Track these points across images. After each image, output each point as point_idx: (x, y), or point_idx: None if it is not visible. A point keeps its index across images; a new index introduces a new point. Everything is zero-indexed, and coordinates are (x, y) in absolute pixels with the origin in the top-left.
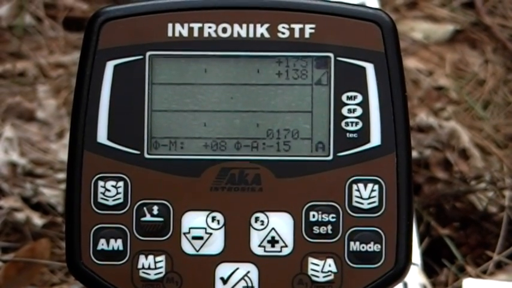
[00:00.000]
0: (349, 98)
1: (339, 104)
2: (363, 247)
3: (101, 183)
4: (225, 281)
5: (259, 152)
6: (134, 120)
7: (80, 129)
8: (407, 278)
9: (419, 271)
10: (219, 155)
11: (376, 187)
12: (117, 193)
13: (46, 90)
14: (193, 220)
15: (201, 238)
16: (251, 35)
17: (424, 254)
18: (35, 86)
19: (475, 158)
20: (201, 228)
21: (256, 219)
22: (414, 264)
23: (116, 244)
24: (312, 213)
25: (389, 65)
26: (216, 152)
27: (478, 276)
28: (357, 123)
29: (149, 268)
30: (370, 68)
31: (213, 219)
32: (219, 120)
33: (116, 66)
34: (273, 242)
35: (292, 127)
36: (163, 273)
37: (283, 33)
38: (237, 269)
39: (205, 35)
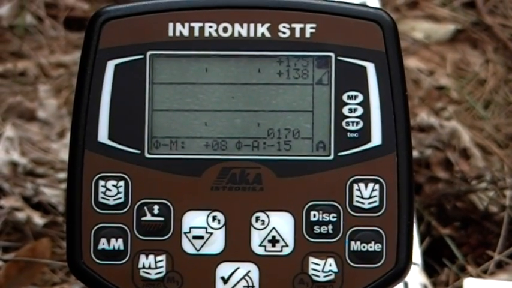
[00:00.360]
0: (349, 97)
1: (340, 104)
2: (364, 247)
3: (101, 182)
4: (225, 281)
5: (260, 151)
6: (135, 120)
7: (80, 129)
8: (408, 278)
9: (420, 271)
10: (220, 154)
11: (377, 187)
12: (118, 193)
13: (47, 89)
14: (194, 220)
15: (201, 238)
16: (252, 34)
17: (425, 254)
18: (36, 86)
19: (476, 158)
20: (202, 228)
21: (257, 218)
22: (415, 263)
23: (117, 244)
24: (312, 212)
25: (390, 65)
26: (217, 151)
27: (478, 276)
28: (357, 123)
29: (150, 268)
30: (371, 68)
31: (214, 218)
32: (219, 119)
33: (116, 66)
34: (273, 241)
35: (293, 127)
36: (164, 272)
37: (284, 32)
38: (238, 268)
39: (206, 34)
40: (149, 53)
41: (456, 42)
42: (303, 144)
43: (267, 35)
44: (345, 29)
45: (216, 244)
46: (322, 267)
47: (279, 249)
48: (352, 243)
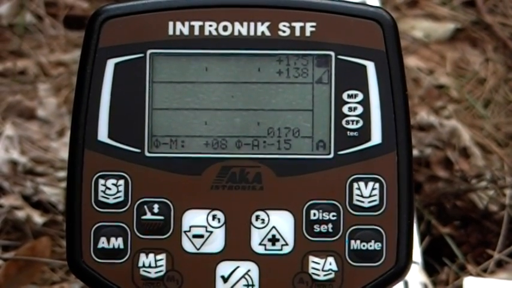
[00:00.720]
0: (349, 96)
1: (340, 103)
2: (364, 245)
3: (101, 181)
4: (225, 280)
5: (260, 150)
6: (135, 119)
7: (80, 128)
8: (408, 277)
9: (420, 270)
10: (220, 153)
11: (377, 185)
12: (118, 191)
13: (47, 88)
14: (194, 218)
15: (201, 236)
16: (252, 33)
17: (425, 253)
18: (36, 85)
19: (475, 157)
20: (202, 227)
21: (257, 217)
22: (415, 262)
23: (117, 242)
24: (312, 211)
25: (390, 64)
26: (217, 150)
27: (478, 275)
28: (357, 122)
29: (150, 266)
30: (370, 67)
31: (214, 217)
32: (219, 118)
33: (116, 65)
34: (273, 240)
35: (293, 125)
36: (164, 271)
37: (284, 31)
38: (238, 267)
39: (206, 33)
40: (149, 51)
41: (456, 41)
42: (303, 143)
43: (267, 33)
44: (345, 28)
45: (216, 243)
46: (322, 266)
47: (279, 248)
48: (352, 242)
